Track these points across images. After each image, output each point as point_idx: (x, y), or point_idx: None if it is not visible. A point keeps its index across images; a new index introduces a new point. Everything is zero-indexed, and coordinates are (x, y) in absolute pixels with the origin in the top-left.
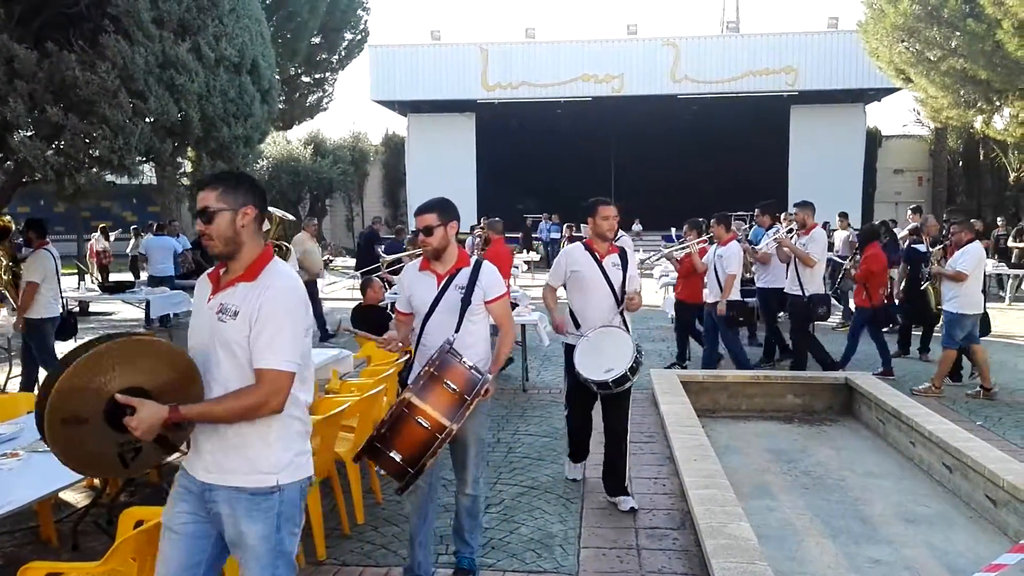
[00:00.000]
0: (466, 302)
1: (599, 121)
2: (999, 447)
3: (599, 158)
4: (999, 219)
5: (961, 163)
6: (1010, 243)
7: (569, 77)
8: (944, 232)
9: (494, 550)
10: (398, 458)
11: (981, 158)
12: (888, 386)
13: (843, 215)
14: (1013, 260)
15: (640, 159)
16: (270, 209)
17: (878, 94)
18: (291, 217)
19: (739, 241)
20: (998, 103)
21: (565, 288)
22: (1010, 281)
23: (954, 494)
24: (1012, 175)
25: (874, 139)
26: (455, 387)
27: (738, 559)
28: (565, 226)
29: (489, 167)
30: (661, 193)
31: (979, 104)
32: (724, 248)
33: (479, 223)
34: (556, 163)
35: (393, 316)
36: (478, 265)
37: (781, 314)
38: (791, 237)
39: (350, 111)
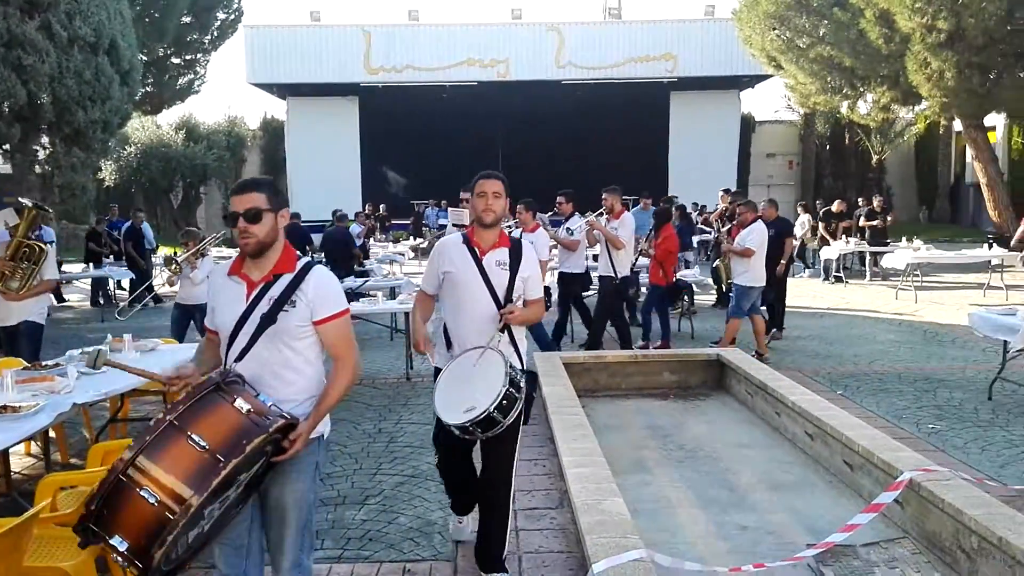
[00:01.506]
0: (268, 319)
1: (485, 106)
2: (857, 414)
3: (486, 143)
4: (860, 199)
5: (828, 147)
6: (862, 222)
7: (454, 61)
8: (729, 213)
9: (372, 542)
10: (123, 546)
11: (846, 142)
12: (756, 360)
13: (726, 191)
14: (869, 238)
15: (527, 144)
16: (22, 200)
17: (752, 81)
18: (48, 209)
19: (545, 228)
20: (862, 89)
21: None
22: (868, 258)
23: (815, 460)
24: (875, 157)
25: (748, 124)
26: (204, 444)
27: (611, 534)
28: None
29: (374, 152)
30: (548, 178)
31: (844, 90)
32: (531, 235)
33: (363, 209)
34: (443, 148)
35: None
36: (306, 269)
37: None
38: (604, 222)
39: (226, 94)
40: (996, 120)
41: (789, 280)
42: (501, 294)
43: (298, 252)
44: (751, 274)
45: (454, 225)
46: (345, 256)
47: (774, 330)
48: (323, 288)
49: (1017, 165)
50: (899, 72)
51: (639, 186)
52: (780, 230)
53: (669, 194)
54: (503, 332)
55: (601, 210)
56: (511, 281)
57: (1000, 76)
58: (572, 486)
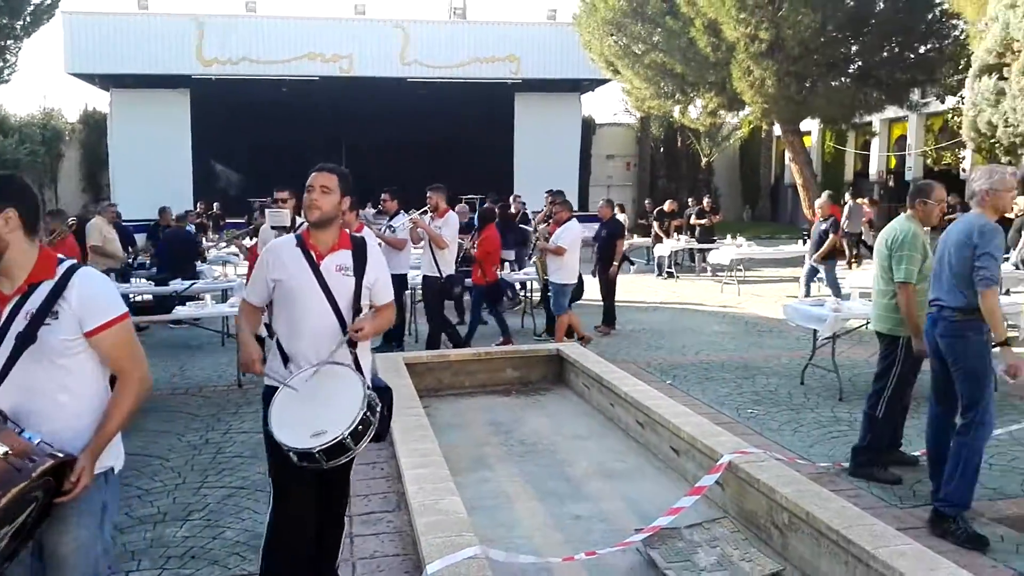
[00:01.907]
0: (27, 337)
1: (329, 102)
2: (684, 402)
3: (330, 140)
4: (690, 199)
5: (663, 149)
6: (693, 221)
7: (294, 55)
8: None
9: (194, 559)
10: None
11: (679, 144)
12: (593, 354)
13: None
14: (698, 236)
15: (373, 142)
16: None
17: (592, 84)
18: None
19: (368, 225)
20: (692, 95)
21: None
22: (697, 255)
23: (646, 448)
24: (704, 160)
25: (589, 127)
26: None
27: (447, 533)
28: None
29: (207, 147)
30: (394, 177)
31: (676, 95)
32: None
33: (195, 208)
34: (284, 144)
35: None
36: (69, 274)
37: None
38: (428, 220)
39: (41, 85)
40: (811, 125)
41: (625, 277)
42: (344, 304)
43: (60, 256)
44: (565, 272)
45: (272, 228)
46: (190, 259)
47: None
48: (90, 293)
49: (830, 167)
50: (725, 79)
51: (486, 186)
52: (613, 231)
53: (515, 193)
54: (353, 347)
55: (425, 208)
56: (357, 288)
57: (815, 84)
58: (409, 487)
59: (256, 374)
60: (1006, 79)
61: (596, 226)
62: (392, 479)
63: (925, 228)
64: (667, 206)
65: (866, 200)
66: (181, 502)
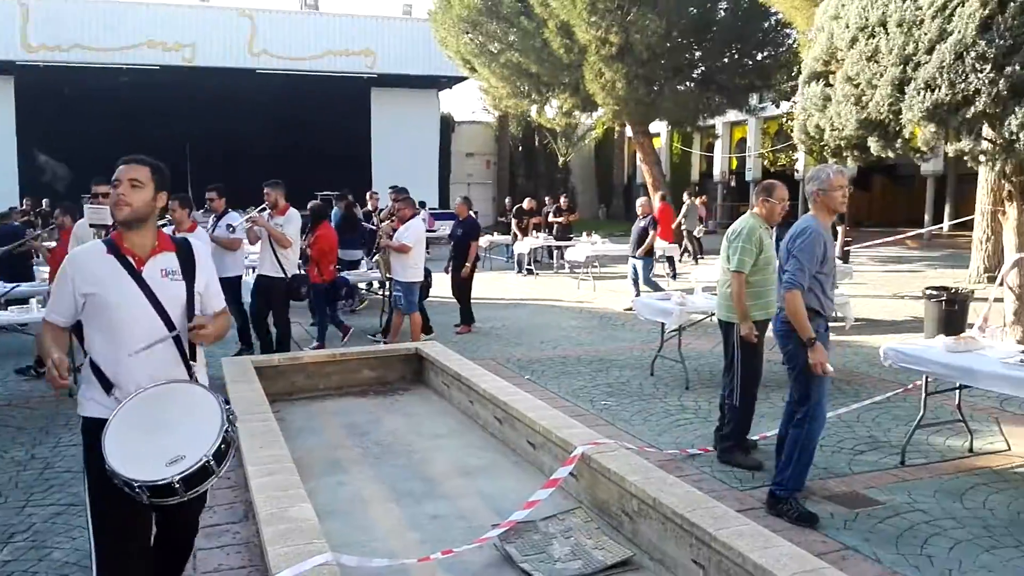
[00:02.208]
0: None
1: (171, 93)
2: (541, 397)
3: (173, 133)
4: (547, 198)
5: (521, 148)
6: (551, 219)
7: (131, 42)
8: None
9: None
10: None
11: (537, 144)
12: (452, 352)
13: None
14: (556, 234)
15: (220, 136)
16: None
17: (450, 81)
18: None
19: (204, 227)
20: (547, 95)
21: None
22: (555, 252)
23: (504, 443)
24: (561, 159)
25: (448, 124)
26: None
27: (296, 542)
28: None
29: (34, 138)
30: (244, 172)
31: (532, 95)
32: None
33: (21, 204)
34: (122, 137)
35: None
36: None
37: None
38: (267, 218)
39: None
40: (660, 127)
41: (485, 275)
42: (177, 314)
43: None
44: (412, 270)
45: (92, 226)
46: (18, 259)
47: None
48: None
49: (678, 168)
50: (579, 80)
51: (342, 183)
52: (468, 230)
53: (372, 190)
54: (193, 360)
55: (264, 206)
56: (189, 294)
57: (662, 88)
58: (256, 496)
59: (58, 386)
60: (832, 86)
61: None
62: (239, 488)
63: (770, 225)
64: (526, 204)
65: (701, 198)
66: (2, 524)
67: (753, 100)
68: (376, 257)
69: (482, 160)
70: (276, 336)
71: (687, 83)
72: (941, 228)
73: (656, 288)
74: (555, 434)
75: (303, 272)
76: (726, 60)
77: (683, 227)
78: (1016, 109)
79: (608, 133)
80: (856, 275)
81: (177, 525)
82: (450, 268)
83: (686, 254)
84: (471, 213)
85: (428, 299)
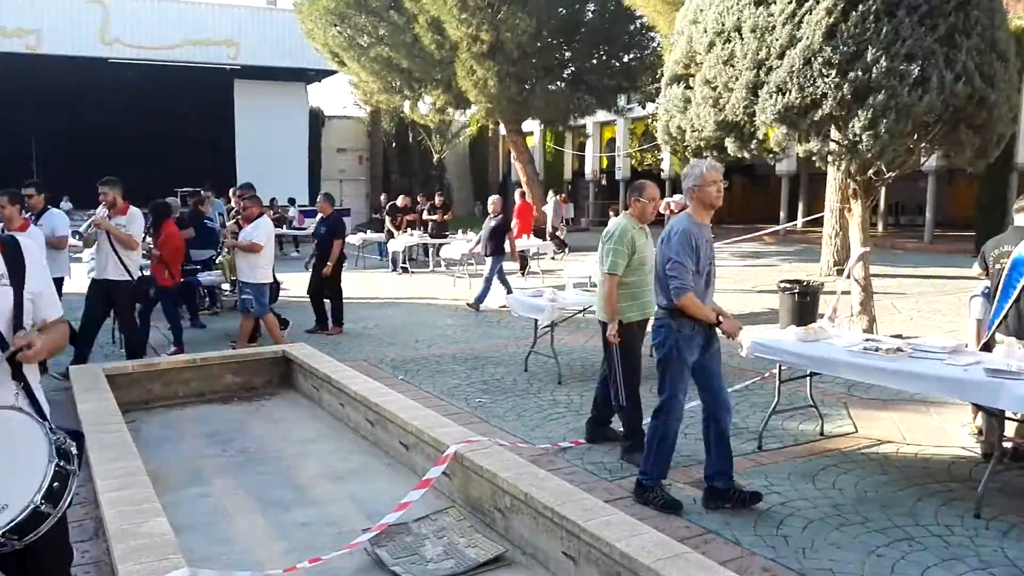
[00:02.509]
0: None
1: (13, 82)
2: (414, 397)
3: (15, 126)
4: (420, 195)
5: (395, 144)
6: (425, 216)
7: None
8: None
9: None
10: None
11: (411, 140)
12: (322, 354)
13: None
14: (431, 231)
15: (70, 131)
16: None
17: (319, 75)
18: None
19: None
20: (420, 91)
21: None
22: (431, 249)
23: (376, 445)
24: (436, 156)
25: (317, 118)
26: None
27: (150, 558)
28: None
29: None
30: (96, 167)
31: (404, 91)
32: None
33: None
34: None
35: None
36: None
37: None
38: (110, 218)
39: None
40: (533, 126)
41: (359, 274)
42: (3, 323)
43: None
44: (261, 270)
45: None
46: None
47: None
48: None
49: (551, 166)
50: (451, 77)
51: (204, 178)
52: (332, 228)
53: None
54: (19, 381)
55: (101, 206)
56: (17, 300)
57: (534, 87)
58: (107, 512)
59: None
60: (691, 88)
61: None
62: (88, 504)
63: (643, 224)
64: (400, 201)
65: (561, 196)
66: None
67: (621, 101)
68: (220, 258)
69: (354, 156)
70: (126, 342)
71: (558, 83)
72: (795, 225)
73: (507, 286)
74: (428, 434)
75: (149, 274)
76: (595, 61)
77: (552, 224)
78: (859, 112)
79: (483, 130)
80: (717, 270)
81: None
82: (311, 267)
83: (558, 250)
84: (335, 210)
85: (278, 301)
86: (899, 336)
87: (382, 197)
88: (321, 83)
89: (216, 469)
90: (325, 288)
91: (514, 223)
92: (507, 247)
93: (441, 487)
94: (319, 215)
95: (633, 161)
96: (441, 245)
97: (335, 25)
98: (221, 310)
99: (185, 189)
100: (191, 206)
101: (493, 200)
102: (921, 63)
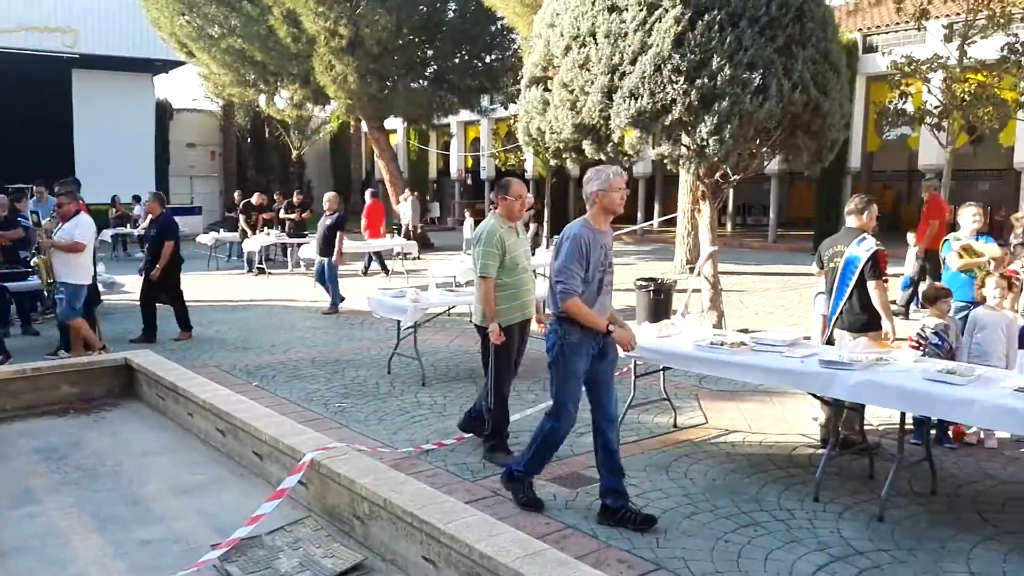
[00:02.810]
0: None
1: None
2: (270, 403)
3: None
4: (275, 194)
5: (250, 139)
6: (283, 214)
7: None
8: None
9: None
10: None
11: (267, 135)
12: (168, 361)
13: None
14: (289, 230)
15: None
16: None
17: (166, 66)
18: None
19: None
20: (276, 85)
21: None
22: (290, 249)
23: (228, 456)
24: (294, 152)
25: (165, 111)
26: None
27: None
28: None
29: None
30: None
31: (259, 84)
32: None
33: None
34: None
35: None
36: None
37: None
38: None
39: None
40: (397, 124)
41: (210, 275)
42: None
43: None
44: (80, 271)
45: None
46: None
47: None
48: None
49: (415, 165)
50: (309, 72)
51: (39, 174)
52: (162, 229)
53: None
54: None
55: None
56: None
57: (395, 84)
58: None
59: None
60: (550, 91)
61: (187, 219)
62: None
63: (513, 223)
64: (255, 199)
65: (415, 194)
66: None
67: (484, 101)
68: (35, 260)
69: (206, 151)
70: None
71: (420, 81)
72: (651, 225)
73: (336, 292)
74: (283, 442)
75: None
76: (457, 61)
77: (411, 223)
78: (706, 118)
79: (344, 127)
80: None
81: None
82: (143, 271)
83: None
84: (165, 210)
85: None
86: (745, 330)
87: (235, 194)
88: (169, 74)
89: (49, 487)
90: (162, 293)
91: (363, 222)
92: (360, 248)
93: (297, 497)
94: (148, 216)
95: (497, 161)
96: (300, 245)
97: (183, 14)
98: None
99: (17, 186)
100: (9, 204)
101: (328, 197)
102: (762, 72)
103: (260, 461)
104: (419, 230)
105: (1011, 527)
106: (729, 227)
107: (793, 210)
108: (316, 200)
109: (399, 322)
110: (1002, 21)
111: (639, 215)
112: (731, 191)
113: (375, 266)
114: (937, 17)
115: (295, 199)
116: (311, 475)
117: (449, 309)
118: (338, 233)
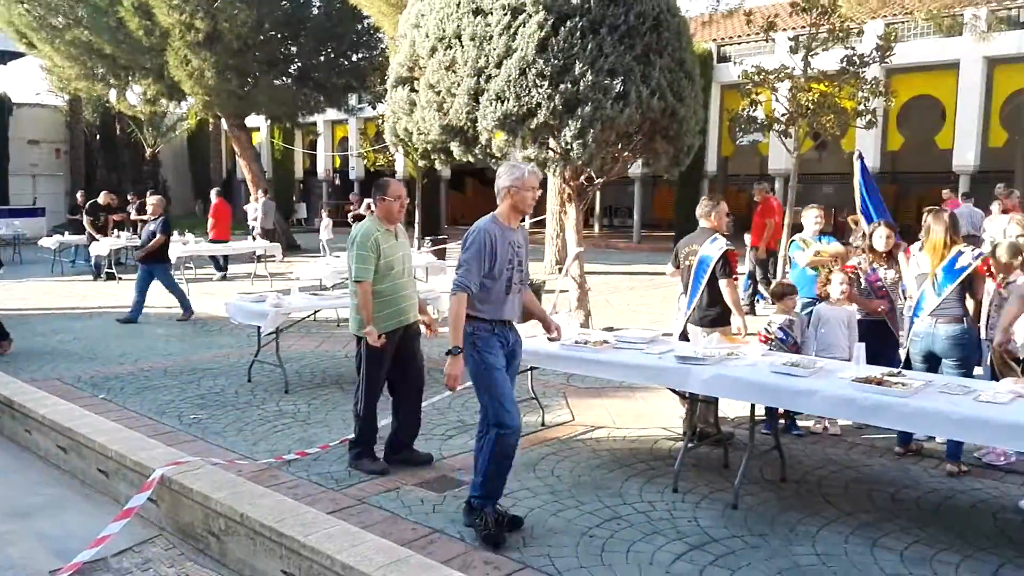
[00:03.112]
0: None
1: None
2: (118, 417)
3: None
4: (128, 195)
5: (99, 136)
6: (134, 216)
7: None
8: None
9: None
10: None
11: (119, 132)
12: (2, 374)
13: None
14: (141, 233)
15: None
16: None
17: (4, 57)
18: None
19: None
20: (127, 79)
21: None
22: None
23: (72, 475)
24: (149, 151)
25: (4, 106)
26: None
27: None
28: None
29: None
30: None
31: (109, 79)
32: None
33: None
34: None
35: None
36: None
37: None
38: None
39: None
40: (260, 122)
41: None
42: None
43: None
44: None
45: None
46: None
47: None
48: None
49: (280, 164)
50: (163, 66)
51: None
52: None
53: None
54: None
55: None
56: None
57: (257, 80)
58: None
59: None
60: (417, 91)
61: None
62: None
63: (391, 225)
64: (102, 199)
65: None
66: None
67: (352, 100)
68: None
69: (50, 148)
70: None
71: (283, 78)
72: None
73: (183, 299)
74: (130, 458)
75: None
76: (322, 58)
77: (262, 226)
78: (570, 122)
79: (203, 124)
80: (452, 271)
81: None
82: None
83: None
84: None
85: None
86: (610, 329)
87: (78, 195)
88: (7, 66)
89: None
90: None
91: (210, 223)
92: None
93: (147, 515)
94: None
95: (366, 161)
96: None
97: (22, 2)
98: None
99: None
100: None
101: (152, 202)
102: (622, 78)
103: (106, 479)
104: (274, 233)
105: (852, 509)
106: (596, 228)
107: (656, 212)
108: (174, 201)
109: (259, 328)
110: (841, 35)
111: None
112: (598, 193)
113: (231, 267)
114: (784, 30)
115: (148, 200)
116: (162, 492)
117: (315, 313)
118: (158, 235)
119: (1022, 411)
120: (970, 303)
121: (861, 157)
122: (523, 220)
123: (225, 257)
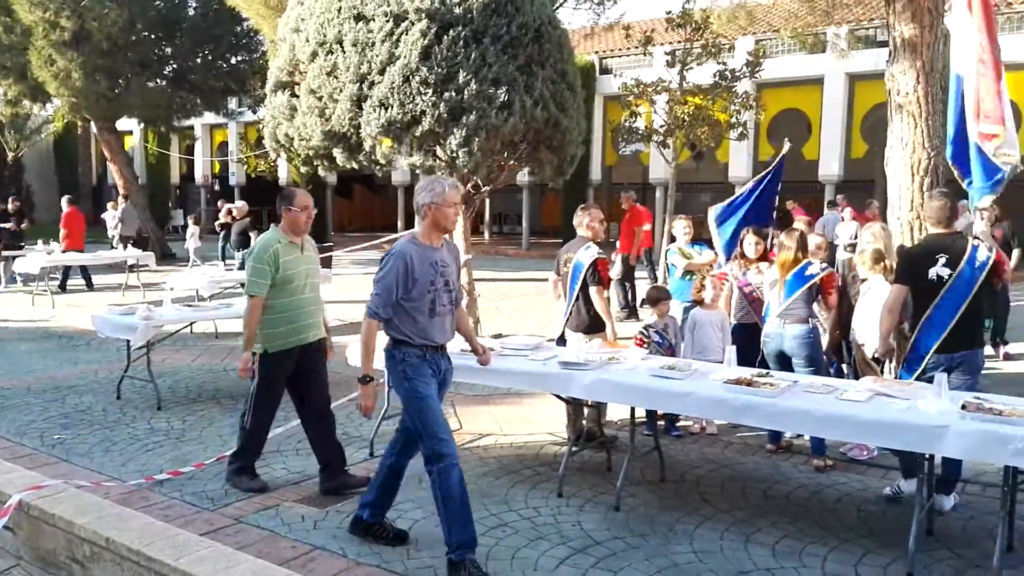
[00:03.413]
0: None
1: None
2: None
3: None
4: None
5: None
6: (9, 224)
7: None
8: None
9: None
10: None
11: None
12: None
13: None
14: (4, 241)
15: None
16: None
17: None
18: None
19: None
20: None
21: None
22: (3, 264)
23: None
24: (11, 155)
25: None
26: None
27: None
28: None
29: None
30: None
31: None
32: None
33: None
34: None
35: None
36: None
37: None
38: None
39: None
40: (133, 125)
41: None
42: None
43: None
44: None
45: None
46: None
47: None
48: None
49: (155, 169)
50: (26, 66)
51: None
52: None
53: None
54: None
55: None
56: None
57: (129, 82)
58: None
59: None
60: (297, 96)
61: None
62: None
63: (296, 238)
64: None
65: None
66: None
67: (231, 104)
68: None
69: None
70: None
71: (157, 80)
72: (412, 233)
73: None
74: None
75: None
76: (199, 60)
77: (110, 233)
78: (455, 131)
79: (71, 127)
80: (337, 280)
81: None
82: None
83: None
84: None
85: None
86: (499, 335)
87: None
88: None
89: None
90: None
91: (62, 232)
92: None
93: (4, 544)
94: None
95: (247, 167)
96: (15, 257)
97: None
98: None
99: None
100: None
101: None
102: (506, 88)
103: None
104: (147, 241)
105: (728, 506)
106: (487, 235)
107: (544, 219)
108: (39, 208)
109: (128, 342)
110: (713, 51)
111: (399, 223)
112: (487, 201)
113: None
114: (661, 44)
115: (9, 206)
116: (20, 519)
117: (191, 325)
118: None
119: (880, 408)
120: (821, 311)
121: (782, 161)
122: (413, 228)
123: (83, 267)
